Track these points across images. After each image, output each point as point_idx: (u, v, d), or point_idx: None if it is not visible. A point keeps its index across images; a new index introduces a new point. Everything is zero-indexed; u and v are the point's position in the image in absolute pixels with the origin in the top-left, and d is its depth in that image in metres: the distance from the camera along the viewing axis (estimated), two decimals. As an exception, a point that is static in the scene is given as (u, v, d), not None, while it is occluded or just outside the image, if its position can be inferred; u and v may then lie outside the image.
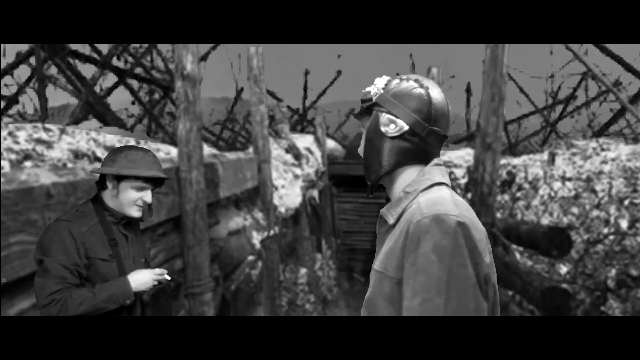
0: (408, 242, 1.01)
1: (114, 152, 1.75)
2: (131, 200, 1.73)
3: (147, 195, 1.75)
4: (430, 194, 1.08)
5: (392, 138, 1.14)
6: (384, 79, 1.20)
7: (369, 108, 1.19)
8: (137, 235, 1.86)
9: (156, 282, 1.75)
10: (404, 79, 1.17)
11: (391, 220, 1.11)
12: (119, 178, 1.72)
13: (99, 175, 1.79)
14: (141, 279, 1.70)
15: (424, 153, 1.15)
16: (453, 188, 1.15)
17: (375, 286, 1.10)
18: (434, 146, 1.15)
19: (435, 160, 1.16)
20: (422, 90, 1.14)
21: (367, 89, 1.20)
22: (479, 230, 1.02)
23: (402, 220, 1.08)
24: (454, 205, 1.03)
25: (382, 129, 1.15)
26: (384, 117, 1.15)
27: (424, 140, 1.13)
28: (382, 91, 1.17)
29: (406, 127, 1.12)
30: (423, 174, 1.13)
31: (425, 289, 0.95)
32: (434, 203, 1.03)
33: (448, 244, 0.96)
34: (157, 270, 1.77)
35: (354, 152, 12.96)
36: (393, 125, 1.13)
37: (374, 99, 1.17)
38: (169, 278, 1.80)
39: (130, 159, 1.72)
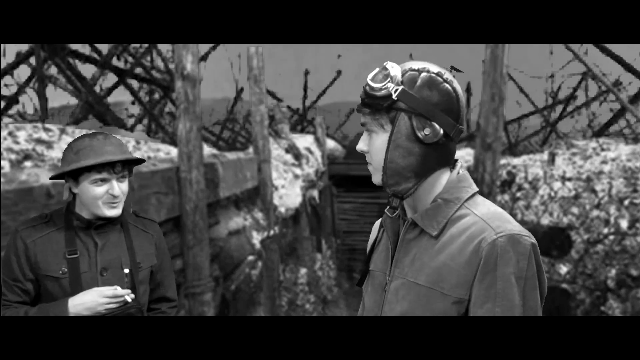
0: (482, 262, 0.94)
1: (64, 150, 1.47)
2: (94, 198, 1.42)
3: (113, 187, 1.43)
4: (481, 206, 1.02)
5: (429, 144, 1.01)
6: (396, 68, 1.01)
7: (389, 106, 1.01)
8: (128, 240, 1.53)
9: (112, 306, 1.38)
10: (420, 70, 1.01)
11: (434, 232, 1.01)
12: (75, 177, 1.43)
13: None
14: (84, 302, 1.37)
15: (452, 154, 1.06)
16: None
17: (417, 302, 1.01)
18: (457, 142, 1.06)
19: (461, 162, 1.09)
20: (448, 86, 1.00)
21: (375, 84, 1.01)
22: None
23: (455, 232, 1.00)
24: (517, 223, 0.98)
25: (419, 134, 0.99)
26: (416, 119, 0.99)
27: (453, 141, 1.04)
28: (402, 86, 0.99)
29: (442, 131, 1.00)
30: (459, 180, 1.05)
31: (507, 313, 0.93)
32: (499, 219, 0.98)
33: (524, 267, 0.94)
34: (109, 291, 1.39)
35: (354, 152, 12.92)
36: (429, 129, 0.99)
37: (394, 95, 0.99)
38: (129, 299, 1.42)
39: (75, 151, 1.42)
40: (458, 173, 1.07)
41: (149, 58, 11.07)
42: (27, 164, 3.22)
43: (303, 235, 8.90)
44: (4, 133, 3.56)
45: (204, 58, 12.26)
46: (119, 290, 1.41)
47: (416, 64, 1.02)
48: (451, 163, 1.07)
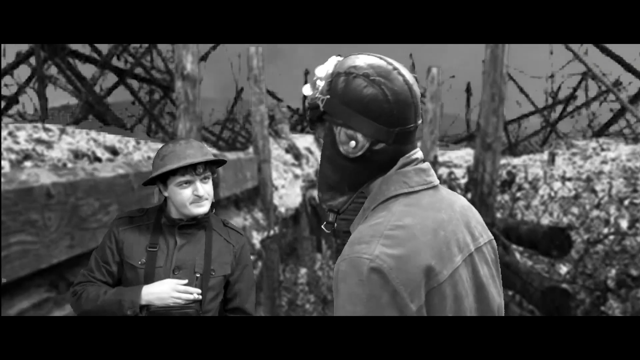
0: (333, 283, 0.86)
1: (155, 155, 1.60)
2: (183, 199, 1.53)
3: (197, 188, 1.53)
4: (372, 218, 0.90)
5: (355, 159, 0.91)
6: (324, 69, 0.93)
7: (320, 117, 0.93)
8: (208, 246, 1.60)
9: (180, 301, 1.48)
10: (347, 72, 0.89)
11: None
12: (163, 181, 1.56)
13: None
14: (157, 292, 1.47)
15: (397, 155, 0.92)
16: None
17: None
18: (405, 143, 0.92)
19: (402, 160, 0.92)
20: (374, 90, 0.87)
21: (308, 90, 0.95)
22: (403, 271, 0.81)
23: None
24: (379, 240, 0.83)
25: (342, 148, 0.91)
26: (341, 133, 0.90)
27: (393, 144, 0.90)
28: (328, 95, 0.90)
29: (368, 142, 0.89)
30: (380, 185, 0.93)
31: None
32: (360, 238, 0.85)
33: (362, 294, 0.81)
34: (181, 286, 1.49)
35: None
36: (353, 142, 0.89)
37: (321, 106, 0.91)
38: (196, 297, 1.49)
39: (161, 157, 1.53)
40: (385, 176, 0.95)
41: (149, 58, 11.09)
42: (27, 164, 3.22)
43: (303, 235, 8.90)
44: (4, 133, 3.57)
45: (204, 58, 12.27)
46: (190, 288, 1.51)
47: (350, 61, 0.91)
48: (392, 167, 0.93)
